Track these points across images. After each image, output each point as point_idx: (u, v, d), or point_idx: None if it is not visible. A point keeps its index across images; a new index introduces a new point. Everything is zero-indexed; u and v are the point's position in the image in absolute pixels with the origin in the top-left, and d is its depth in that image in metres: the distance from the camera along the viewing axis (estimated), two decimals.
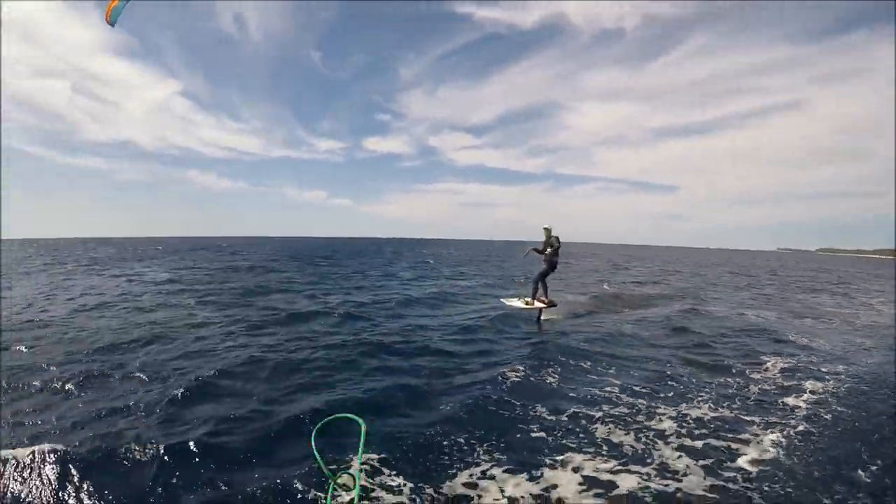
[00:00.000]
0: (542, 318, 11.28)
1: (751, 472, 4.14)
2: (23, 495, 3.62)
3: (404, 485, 3.77)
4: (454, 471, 4.03)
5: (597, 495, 3.70)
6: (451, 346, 8.61)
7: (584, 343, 8.91)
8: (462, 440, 4.62)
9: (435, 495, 3.63)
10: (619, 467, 4.17)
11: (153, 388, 5.99)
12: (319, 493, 3.56)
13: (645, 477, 4.01)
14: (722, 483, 3.95)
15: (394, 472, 3.96)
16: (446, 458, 4.27)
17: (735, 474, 4.11)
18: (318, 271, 26.11)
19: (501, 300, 12.25)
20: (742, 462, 4.36)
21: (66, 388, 6.03)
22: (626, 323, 11.26)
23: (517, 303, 11.47)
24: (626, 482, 3.91)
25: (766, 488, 3.85)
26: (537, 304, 11.20)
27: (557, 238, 10.68)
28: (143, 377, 6.47)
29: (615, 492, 3.76)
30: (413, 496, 3.61)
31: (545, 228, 10.78)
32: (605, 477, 4.00)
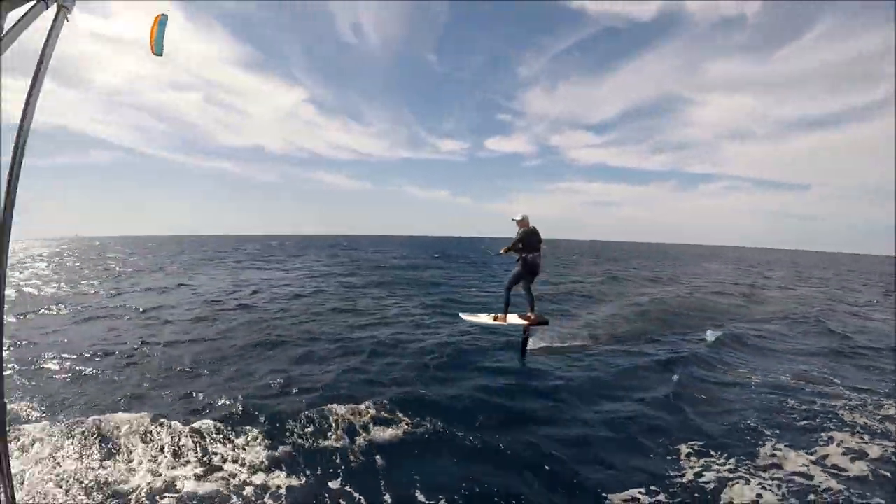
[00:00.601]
0: (530, 345, 9.06)
1: None
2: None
3: None
4: None
5: None
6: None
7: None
8: None
9: None
10: None
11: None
12: None
13: None
14: None
15: None
16: None
17: None
18: (462, 267, 31.34)
19: (461, 315, 9.09)
20: None
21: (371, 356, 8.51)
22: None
23: (484, 318, 8.57)
24: None
25: None
26: (513, 321, 8.31)
27: (536, 231, 7.87)
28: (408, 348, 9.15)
29: None
30: None
31: (516, 220, 7.84)
32: None
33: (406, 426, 5.43)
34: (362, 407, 5.77)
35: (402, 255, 46.21)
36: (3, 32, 1.27)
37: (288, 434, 5.21)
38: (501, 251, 7.79)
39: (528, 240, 7.73)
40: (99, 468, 4.50)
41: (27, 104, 1.14)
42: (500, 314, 8.25)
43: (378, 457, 4.74)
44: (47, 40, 1.16)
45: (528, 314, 8.18)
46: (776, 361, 9.12)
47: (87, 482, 4.25)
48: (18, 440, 4.93)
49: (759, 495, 4.25)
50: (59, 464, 4.55)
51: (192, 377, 7.29)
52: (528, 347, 9.12)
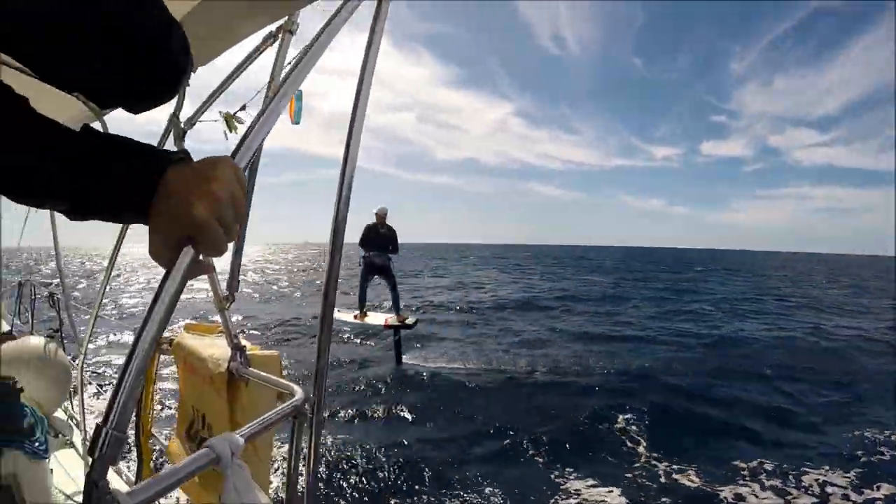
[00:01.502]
0: (403, 354, 8.48)
1: None
2: None
3: None
4: None
5: None
6: None
7: None
8: None
9: None
10: None
11: None
12: None
13: None
14: None
15: None
16: None
17: None
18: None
19: (337, 311, 9.51)
20: None
21: None
22: None
23: (345, 315, 8.32)
24: None
25: None
26: (371, 320, 8.16)
27: (376, 228, 7.60)
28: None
29: None
30: None
31: (376, 213, 7.76)
32: None
33: None
34: None
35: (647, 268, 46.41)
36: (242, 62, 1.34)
37: None
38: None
39: (367, 237, 7.65)
40: None
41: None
42: (358, 312, 8.22)
43: None
44: (274, 68, 1.28)
45: (393, 316, 8.07)
46: None
47: None
48: None
49: None
50: None
51: None
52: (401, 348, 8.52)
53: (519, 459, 5.07)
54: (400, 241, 7.91)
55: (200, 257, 0.53)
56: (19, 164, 0.49)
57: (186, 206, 0.49)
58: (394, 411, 6.20)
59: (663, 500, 4.30)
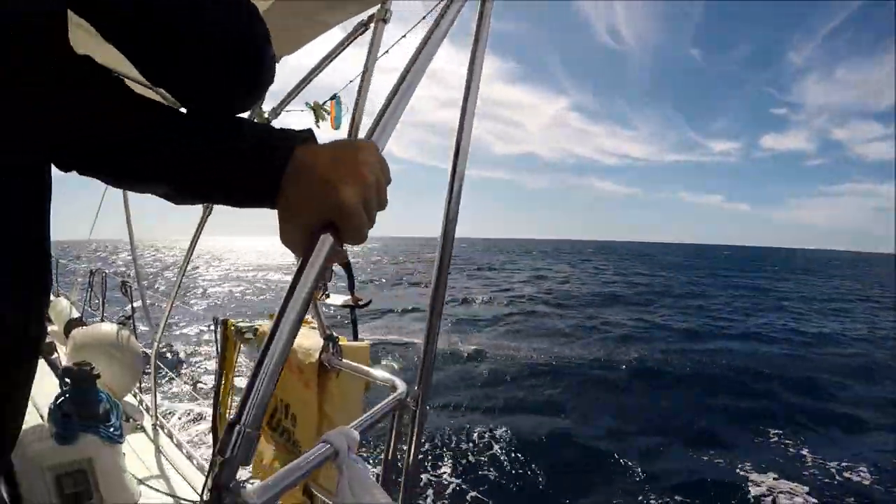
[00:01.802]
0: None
1: None
2: None
3: None
4: None
5: None
6: None
7: None
8: None
9: None
10: None
11: None
12: None
13: None
14: None
15: None
16: None
17: None
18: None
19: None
20: None
21: None
22: None
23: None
24: None
25: None
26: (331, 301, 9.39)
27: None
28: None
29: None
30: None
31: None
32: None
33: None
34: None
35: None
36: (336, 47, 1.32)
37: None
38: None
39: None
40: None
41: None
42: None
43: None
44: (368, 57, 1.24)
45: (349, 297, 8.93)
46: None
47: None
48: None
49: None
50: None
51: None
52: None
53: (668, 453, 5.16)
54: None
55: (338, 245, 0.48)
56: (147, 148, 0.47)
57: (332, 190, 0.45)
58: (523, 403, 6.34)
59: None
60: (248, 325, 1.48)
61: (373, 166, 0.48)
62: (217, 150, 0.48)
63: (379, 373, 1.05)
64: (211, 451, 1.67)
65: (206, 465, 1.74)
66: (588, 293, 18.66)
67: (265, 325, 1.37)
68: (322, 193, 0.45)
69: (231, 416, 0.43)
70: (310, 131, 0.51)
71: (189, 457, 2.07)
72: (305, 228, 0.47)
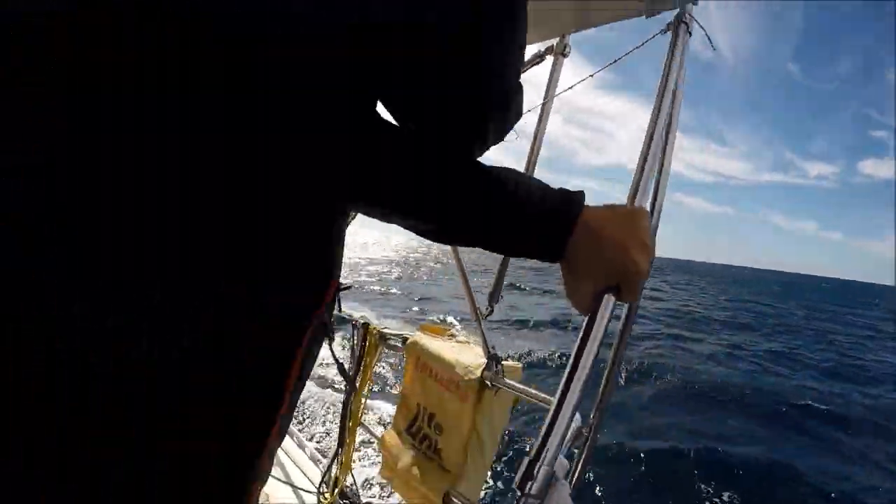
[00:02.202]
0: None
1: None
2: None
3: None
4: None
5: None
6: None
7: None
8: None
9: None
10: None
11: None
12: None
13: None
14: None
15: None
16: None
17: None
18: None
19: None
20: None
21: None
22: None
23: None
24: None
25: None
26: None
27: None
28: None
29: None
30: None
31: None
32: None
33: None
34: None
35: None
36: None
37: None
38: None
39: None
40: None
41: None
42: None
43: None
44: (547, 90, 1.27)
45: None
46: None
47: None
48: None
49: None
50: None
51: None
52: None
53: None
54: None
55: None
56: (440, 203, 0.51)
57: (625, 255, 0.48)
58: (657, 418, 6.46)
59: None
60: (396, 333, 1.56)
61: (647, 231, 0.50)
62: (495, 204, 0.49)
63: (547, 396, 1.06)
64: (331, 449, 1.71)
65: (325, 462, 1.74)
66: (702, 314, 18.60)
67: (417, 335, 1.43)
68: (612, 260, 0.48)
69: (530, 454, 0.47)
70: (581, 193, 0.52)
71: (322, 453, 2.08)
72: (595, 289, 0.50)
